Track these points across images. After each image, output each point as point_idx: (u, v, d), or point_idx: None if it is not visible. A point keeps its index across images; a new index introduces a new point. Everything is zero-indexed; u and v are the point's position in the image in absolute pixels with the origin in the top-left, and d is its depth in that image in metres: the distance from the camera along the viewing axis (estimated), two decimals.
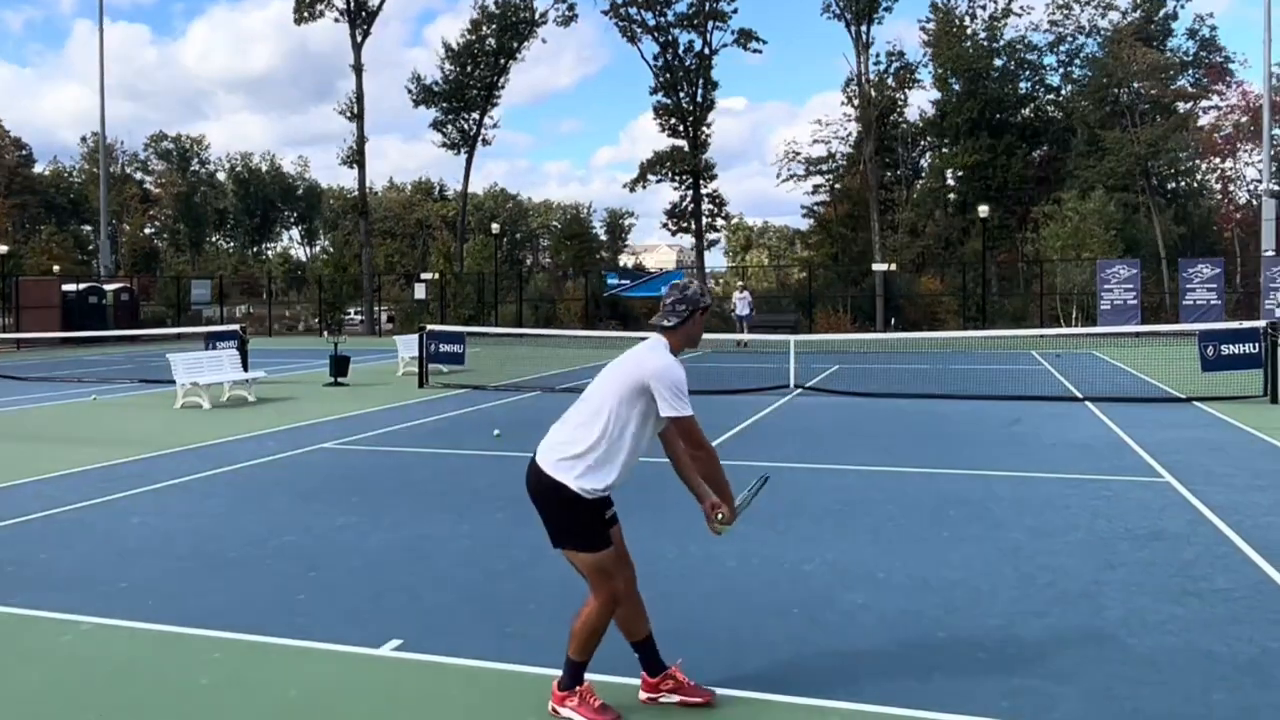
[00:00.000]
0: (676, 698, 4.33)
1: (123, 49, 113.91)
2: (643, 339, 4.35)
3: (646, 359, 4.10)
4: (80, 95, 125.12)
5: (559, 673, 4.32)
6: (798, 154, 56.45)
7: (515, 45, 53.11)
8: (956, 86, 49.78)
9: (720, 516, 4.19)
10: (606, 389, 4.13)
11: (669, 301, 4.26)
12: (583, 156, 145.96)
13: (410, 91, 54.05)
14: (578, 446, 4.09)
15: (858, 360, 24.66)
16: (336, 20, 48.85)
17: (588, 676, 4.25)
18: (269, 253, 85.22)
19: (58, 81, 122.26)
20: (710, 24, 49.65)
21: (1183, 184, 51.63)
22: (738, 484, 4.34)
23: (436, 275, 46.31)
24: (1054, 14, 49.96)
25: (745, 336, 30.66)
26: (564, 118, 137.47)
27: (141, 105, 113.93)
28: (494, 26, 52.40)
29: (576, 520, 4.10)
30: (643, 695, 4.37)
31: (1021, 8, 52.11)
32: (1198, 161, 50.21)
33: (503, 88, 54.68)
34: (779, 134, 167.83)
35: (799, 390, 17.44)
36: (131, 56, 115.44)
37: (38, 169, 77.34)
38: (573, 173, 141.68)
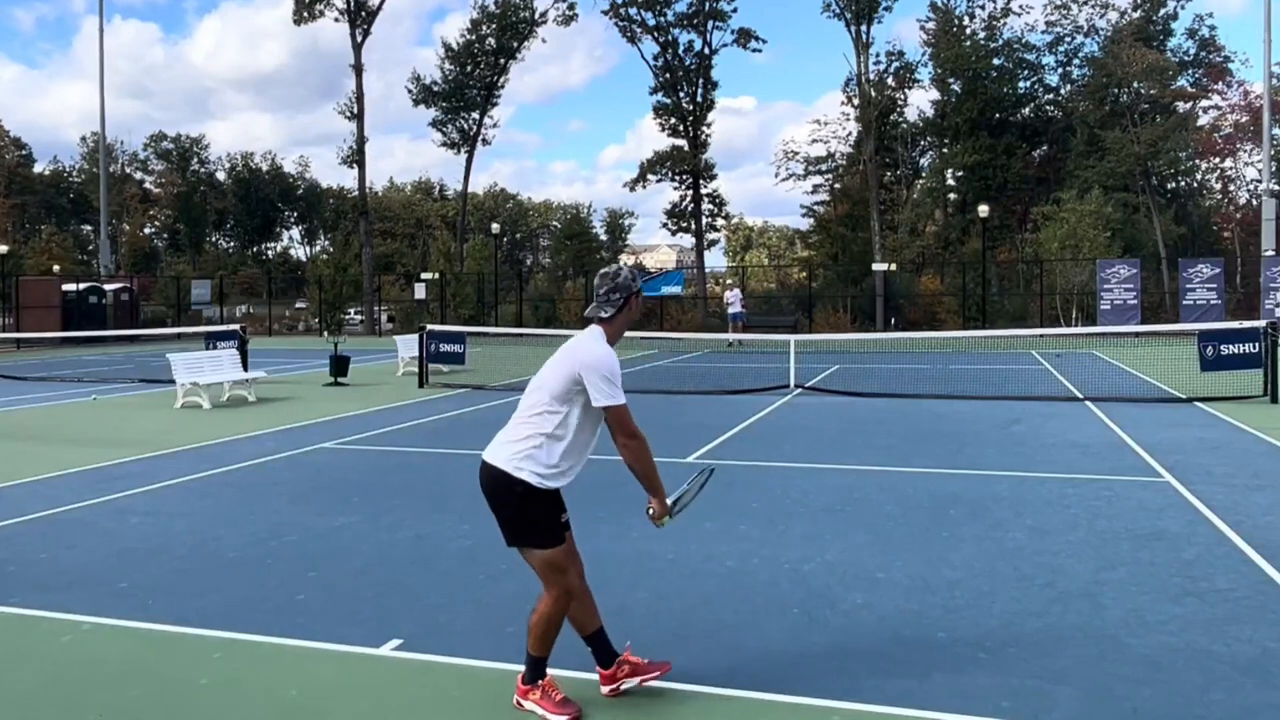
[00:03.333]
0: (635, 680, 4.38)
1: (133, 47, 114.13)
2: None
3: (581, 350, 4.16)
4: (89, 93, 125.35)
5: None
6: (796, 154, 56.58)
7: (515, 45, 53.15)
8: (956, 86, 49.78)
9: (650, 512, 4.29)
10: (546, 383, 4.20)
11: (602, 291, 4.27)
12: (589, 156, 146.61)
13: (410, 91, 54.16)
14: (528, 442, 4.16)
15: (858, 360, 24.66)
16: (336, 20, 48.94)
17: (554, 673, 4.31)
18: (269, 253, 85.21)
19: (66, 79, 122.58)
20: (710, 24, 49.71)
21: (1183, 184, 51.63)
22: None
23: (436, 275, 46.32)
24: (1051, 14, 50.01)
25: (734, 336, 30.40)
26: (573, 117, 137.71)
27: (149, 104, 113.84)
28: (494, 26, 52.44)
29: (533, 515, 4.16)
30: (605, 690, 4.40)
31: (1021, 7, 52.23)
32: (1198, 161, 50.21)
33: (502, 87, 54.84)
34: (787, 133, 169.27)
35: (799, 390, 17.43)
36: (140, 54, 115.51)
37: (38, 169, 77.40)
38: (578, 173, 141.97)
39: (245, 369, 18.18)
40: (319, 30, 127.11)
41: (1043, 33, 50.60)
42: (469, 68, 53.32)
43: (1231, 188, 52.58)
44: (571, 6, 51.75)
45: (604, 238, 73.99)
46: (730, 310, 34.42)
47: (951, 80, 49.82)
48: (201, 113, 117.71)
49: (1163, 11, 48.27)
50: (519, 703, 4.29)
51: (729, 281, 39.46)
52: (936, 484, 9.15)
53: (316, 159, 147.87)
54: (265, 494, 9.10)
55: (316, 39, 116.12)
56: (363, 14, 48.58)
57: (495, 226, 51.77)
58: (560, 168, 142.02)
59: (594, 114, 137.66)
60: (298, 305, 58.41)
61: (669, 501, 4.33)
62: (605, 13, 50.08)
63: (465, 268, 49.67)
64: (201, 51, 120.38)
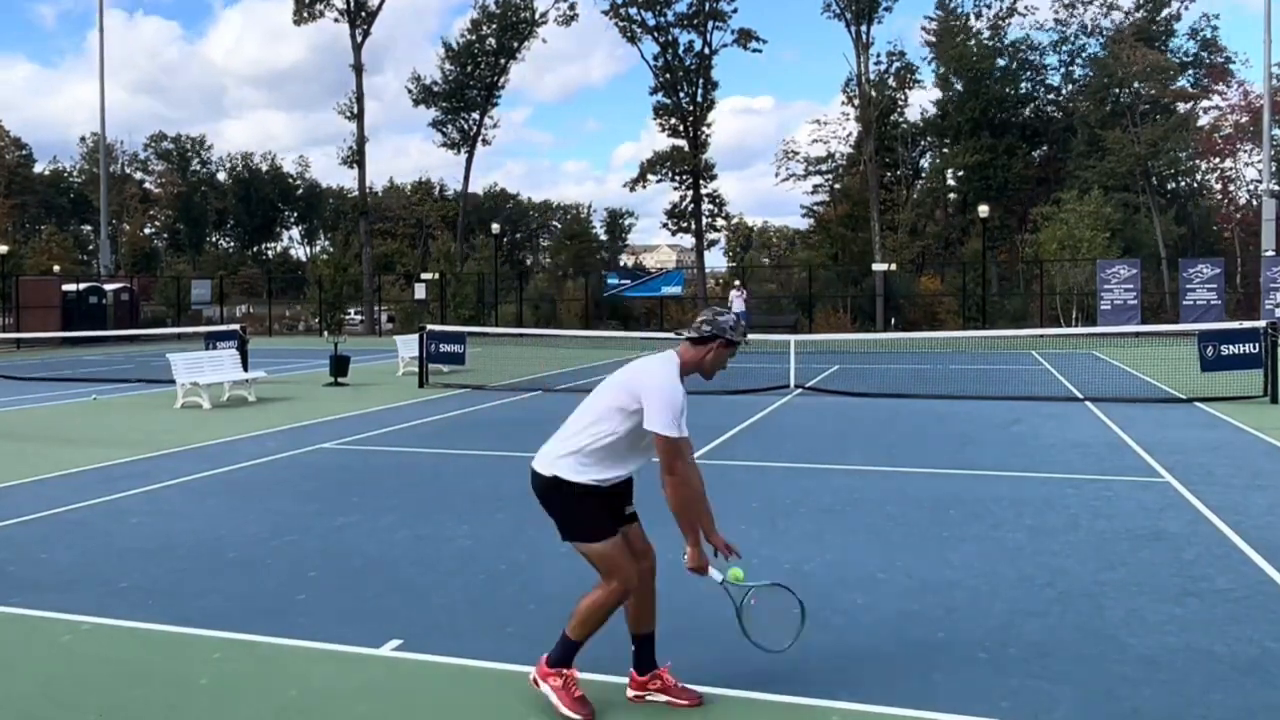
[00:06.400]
0: (663, 698, 4.35)
1: (153, 44, 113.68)
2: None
3: (648, 373, 4.14)
4: (106, 89, 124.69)
5: (587, 676, 4.32)
6: (796, 153, 56.60)
7: (515, 45, 53.16)
8: (958, 86, 49.79)
9: (685, 557, 4.20)
10: (608, 397, 4.19)
11: (699, 320, 4.30)
12: (603, 155, 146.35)
13: (410, 91, 54.20)
14: (576, 444, 4.17)
15: (858, 360, 24.65)
16: (336, 20, 48.91)
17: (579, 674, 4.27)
18: (269, 253, 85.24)
19: (81, 75, 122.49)
20: (710, 24, 49.71)
21: (1183, 184, 51.63)
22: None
23: (436, 275, 46.33)
24: (1059, 12, 49.95)
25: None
26: (589, 116, 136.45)
27: (164, 101, 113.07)
28: (494, 26, 52.45)
29: (579, 509, 4.15)
30: (630, 693, 4.39)
31: (1026, 7, 52.18)
32: (1198, 161, 50.22)
33: (503, 87, 54.89)
34: (803, 131, 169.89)
35: (799, 390, 17.43)
36: (159, 51, 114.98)
37: (38, 169, 77.39)
38: (590, 172, 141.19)
39: (245, 369, 18.17)
40: (336, 29, 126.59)
41: (1049, 30, 50.67)
42: (469, 68, 53.33)
43: (1231, 188, 52.57)
44: (572, 7, 51.85)
45: (604, 238, 73.97)
46: (734, 310, 34.58)
47: (954, 80, 49.84)
48: (216, 110, 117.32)
49: (1165, 12, 48.28)
50: (535, 680, 4.26)
51: (736, 283, 39.41)
52: (936, 484, 9.15)
53: (329, 157, 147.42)
54: (265, 494, 9.10)
55: (336, 35, 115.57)
56: (363, 14, 48.58)
57: (495, 227, 51.82)
58: (573, 167, 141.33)
59: (609, 113, 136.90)
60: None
61: (731, 583, 4.21)
62: (605, 13, 50.17)
63: (465, 268, 49.68)
64: (219, 48, 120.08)
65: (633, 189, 55.85)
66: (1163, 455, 10.45)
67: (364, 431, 13.11)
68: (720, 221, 56.74)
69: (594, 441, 4.13)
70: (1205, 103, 48.43)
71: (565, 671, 4.21)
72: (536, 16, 52.44)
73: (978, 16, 50.85)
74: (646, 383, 4.08)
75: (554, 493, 4.17)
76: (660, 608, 5.56)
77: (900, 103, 53.20)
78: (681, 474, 4.01)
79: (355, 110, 48.78)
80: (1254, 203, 46.25)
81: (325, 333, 42.98)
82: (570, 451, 4.16)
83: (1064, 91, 51.74)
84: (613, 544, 4.16)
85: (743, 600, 4.26)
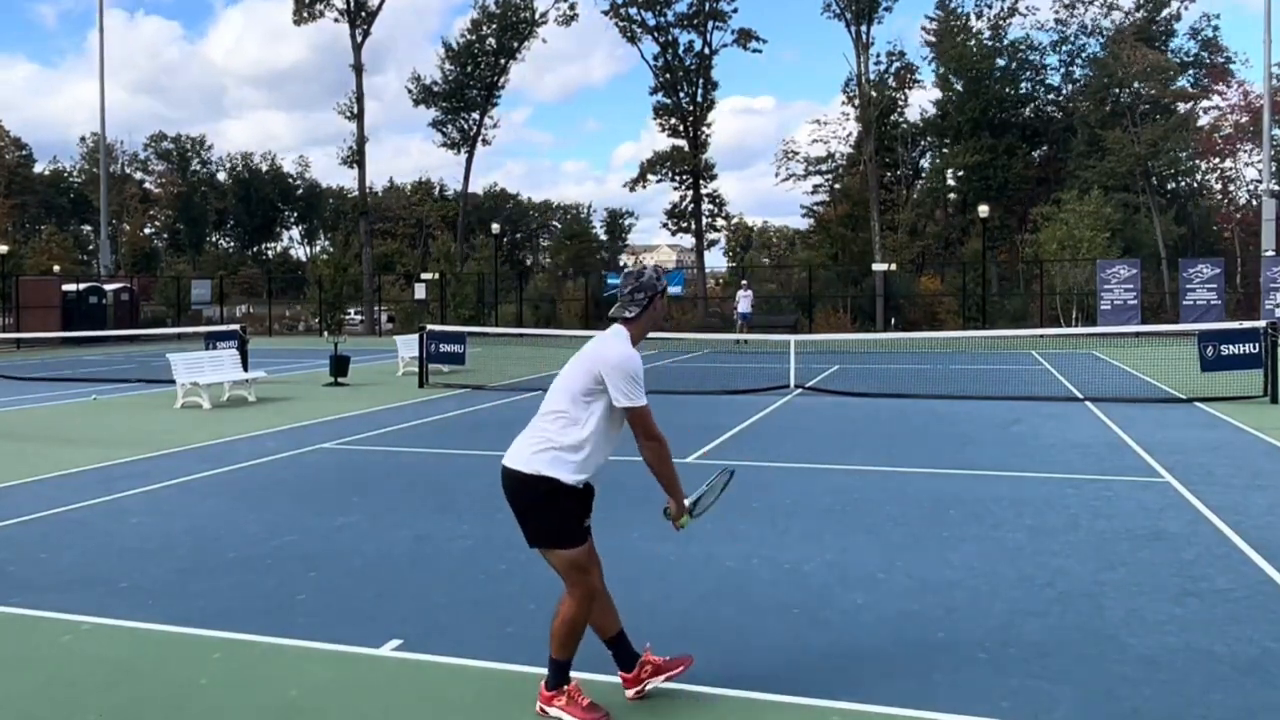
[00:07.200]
0: (661, 678, 4.35)
1: (153, 44, 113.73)
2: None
3: (603, 350, 4.14)
4: (106, 89, 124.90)
5: (581, 675, 4.31)
6: (796, 154, 56.58)
7: (515, 45, 53.18)
8: (958, 86, 49.78)
9: (668, 512, 4.31)
10: (568, 383, 4.17)
11: (627, 291, 4.27)
12: (603, 155, 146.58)
13: (410, 91, 54.21)
14: (549, 441, 4.12)
15: (858, 360, 24.66)
16: (336, 20, 48.90)
17: (575, 676, 4.26)
18: (269, 253, 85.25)
19: (81, 74, 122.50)
20: (710, 24, 49.73)
21: (1183, 184, 51.62)
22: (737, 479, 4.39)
23: (436, 275, 46.33)
24: (1059, 12, 49.93)
25: (745, 335, 30.79)
26: (590, 116, 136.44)
27: (164, 101, 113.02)
28: (494, 26, 52.47)
29: (557, 514, 4.11)
30: (629, 692, 4.38)
31: (1026, 7, 52.19)
32: (1198, 161, 50.20)
33: (502, 87, 54.91)
34: (803, 132, 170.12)
35: (799, 390, 17.43)
36: (159, 51, 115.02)
37: (38, 169, 77.41)
38: (589, 172, 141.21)
39: (245, 369, 18.17)
40: (334, 26, 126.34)
41: (1049, 30, 50.66)
42: (469, 68, 53.35)
43: (1231, 188, 52.59)
44: (572, 7, 51.86)
45: (604, 238, 73.96)
46: (740, 310, 34.76)
47: (954, 80, 49.83)
48: (216, 110, 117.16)
49: (1165, 12, 48.27)
50: (542, 709, 4.22)
51: (743, 283, 39.45)
52: (936, 484, 9.15)
53: (329, 157, 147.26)
54: (265, 494, 9.10)
55: (336, 35, 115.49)
56: (363, 14, 48.58)
57: (495, 227, 51.83)
58: (573, 167, 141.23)
59: (609, 113, 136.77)
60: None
61: (687, 503, 4.34)
62: (605, 13, 50.20)
63: (465, 268, 49.68)
64: (219, 48, 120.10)
65: (633, 189, 55.90)
66: (1163, 455, 10.45)
67: (364, 431, 13.11)
68: (720, 221, 56.79)
69: (571, 431, 4.10)
70: (1205, 103, 48.45)
71: (566, 688, 4.21)
72: (536, 16, 52.46)
73: (978, 16, 50.90)
74: (605, 359, 4.09)
75: (534, 493, 4.09)
76: (660, 608, 5.59)
77: (900, 103, 53.23)
78: (661, 438, 4.18)
79: (355, 110, 48.80)
80: (1254, 203, 46.25)
81: (325, 333, 42.98)
82: (548, 447, 4.11)
83: (1064, 91, 51.74)
84: (585, 550, 4.16)
85: (701, 511, 4.47)
